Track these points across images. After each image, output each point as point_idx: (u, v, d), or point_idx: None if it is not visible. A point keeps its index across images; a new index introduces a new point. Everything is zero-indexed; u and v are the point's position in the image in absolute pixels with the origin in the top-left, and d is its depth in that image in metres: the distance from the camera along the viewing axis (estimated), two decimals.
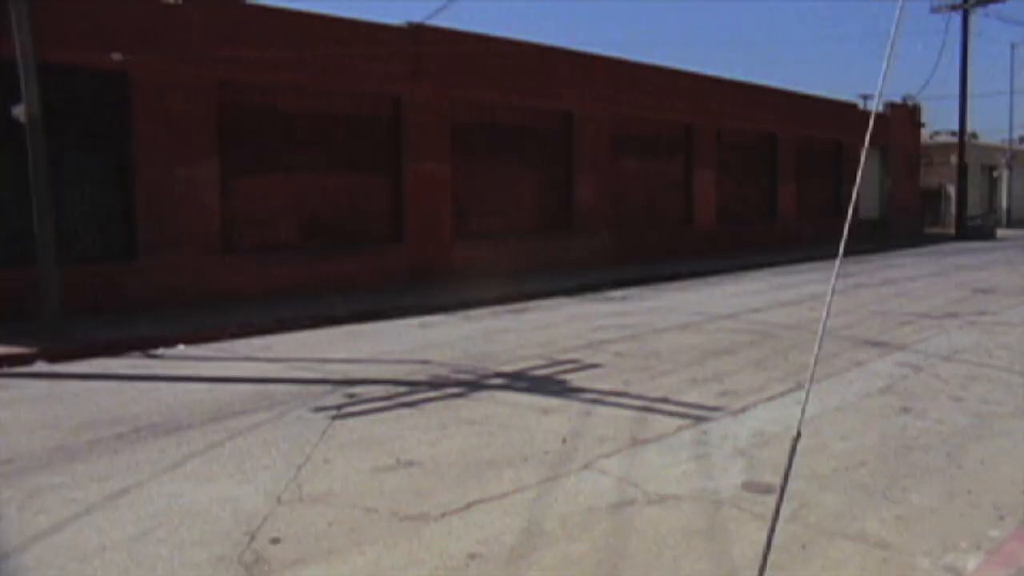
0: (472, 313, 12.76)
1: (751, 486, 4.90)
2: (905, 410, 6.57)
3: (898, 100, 33.72)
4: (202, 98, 12.71)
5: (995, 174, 44.75)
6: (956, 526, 4.29)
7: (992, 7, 33.37)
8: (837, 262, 3.37)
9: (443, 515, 4.54)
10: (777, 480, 4.93)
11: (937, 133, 41.36)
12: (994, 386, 7.35)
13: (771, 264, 20.27)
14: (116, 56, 11.45)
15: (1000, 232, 34.79)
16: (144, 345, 9.71)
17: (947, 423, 6.20)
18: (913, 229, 33.53)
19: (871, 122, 3.81)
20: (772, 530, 3.16)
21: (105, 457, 5.61)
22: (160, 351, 9.60)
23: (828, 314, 3.41)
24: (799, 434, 3.27)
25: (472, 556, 4.01)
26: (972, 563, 3.84)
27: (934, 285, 15.93)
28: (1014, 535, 4.10)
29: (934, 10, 33.18)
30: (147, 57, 11.85)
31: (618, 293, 15.18)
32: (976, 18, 34.13)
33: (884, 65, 3.19)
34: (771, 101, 25.55)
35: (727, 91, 23.72)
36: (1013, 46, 43.73)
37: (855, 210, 29.52)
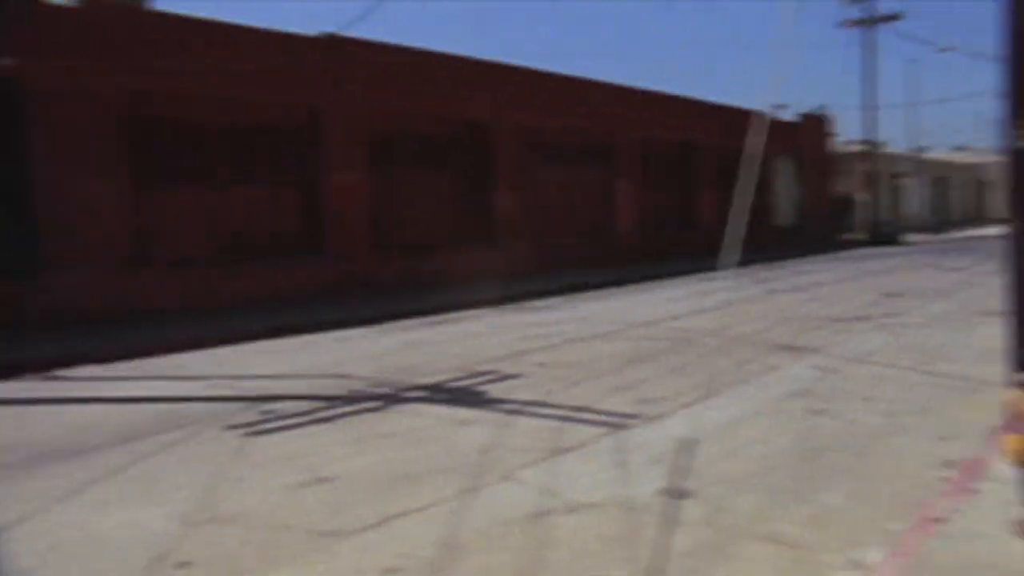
0: (391, 326, 12.64)
1: (667, 492, 4.95)
2: (819, 412, 6.74)
3: (810, 110, 34.93)
4: (108, 109, 12.29)
5: (901, 182, 46.66)
6: (863, 522, 4.40)
7: (893, 23, 34.95)
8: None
9: (360, 530, 4.45)
10: (694, 485, 5.02)
11: (848, 142, 42.86)
12: (900, 387, 7.60)
13: (691, 272, 20.69)
14: (4, 62, 10.95)
15: (907, 238, 36.29)
16: (47, 366, 9.30)
17: (859, 423, 6.38)
18: (827, 235, 34.73)
19: (750, 130, 3.90)
20: None
21: (1, 485, 5.33)
22: (65, 372, 9.21)
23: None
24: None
25: (390, 570, 3.94)
26: (875, 557, 3.95)
27: (846, 289, 16.49)
28: (913, 527, 4.24)
29: (839, 25, 34.62)
30: (43, 64, 11.38)
31: (540, 303, 15.25)
32: (880, 34, 35.75)
33: (778, 76, 3.27)
34: (688, 111, 26.16)
35: (646, 101, 24.19)
36: (910, 62, 45.79)
37: (770, 217, 30.53)
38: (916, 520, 4.36)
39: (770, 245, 28.88)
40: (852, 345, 9.84)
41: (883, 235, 34.54)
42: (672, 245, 25.21)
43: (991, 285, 14.89)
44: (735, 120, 28.63)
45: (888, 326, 11.30)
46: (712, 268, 20.97)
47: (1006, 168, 5.80)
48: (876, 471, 5.26)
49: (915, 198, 48.71)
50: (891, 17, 34.54)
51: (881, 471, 5.26)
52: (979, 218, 58.07)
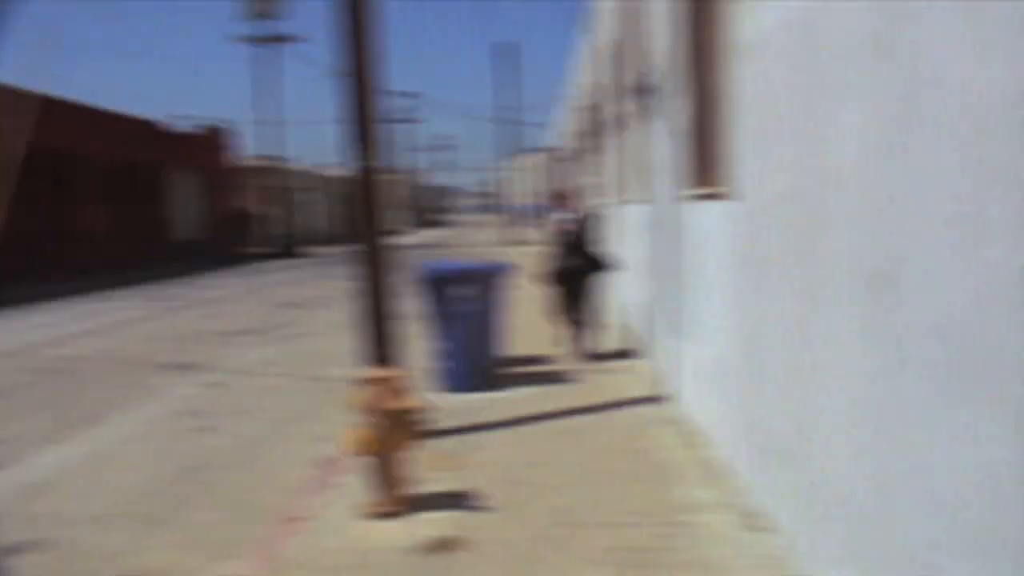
0: None
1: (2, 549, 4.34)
2: (203, 430, 6.66)
3: (212, 123, 34.75)
4: None
5: (305, 196, 49.10)
6: (234, 536, 4.43)
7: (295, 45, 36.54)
8: None
9: None
10: (47, 532, 4.48)
11: (257, 156, 43.63)
12: (288, 395, 7.95)
13: (81, 291, 18.92)
14: None
15: (312, 251, 38.59)
16: None
17: (244, 436, 6.47)
18: (231, 250, 34.95)
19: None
20: None
21: None
22: None
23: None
24: None
25: None
26: (236, 566, 4.00)
27: (249, 303, 16.81)
28: (278, 530, 4.41)
29: (234, 41, 34.85)
30: None
31: None
32: (285, 51, 37.29)
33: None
34: (72, 117, 23.84)
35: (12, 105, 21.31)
36: (308, 81, 48.82)
37: (170, 231, 29.60)
38: (282, 522, 4.55)
39: (170, 260, 28.05)
40: (245, 358, 10.01)
41: (288, 248, 36.20)
42: (50, 263, 22.54)
43: None
44: (130, 130, 27.15)
45: (282, 337, 11.80)
46: (106, 286, 19.49)
47: (351, 185, 6.50)
48: (255, 482, 5.37)
49: (320, 212, 51.96)
50: (289, 38, 36.02)
51: (260, 481, 5.38)
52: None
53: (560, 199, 8.94)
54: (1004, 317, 2.06)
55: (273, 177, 38.24)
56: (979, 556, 2.18)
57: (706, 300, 5.33)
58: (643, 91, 7.96)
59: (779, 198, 3.77)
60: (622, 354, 8.66)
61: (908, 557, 2.60)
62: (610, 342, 9.07)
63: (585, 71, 15.05)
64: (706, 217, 5.25)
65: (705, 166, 5.29)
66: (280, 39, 35.87)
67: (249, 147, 40.89)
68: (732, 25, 4.50)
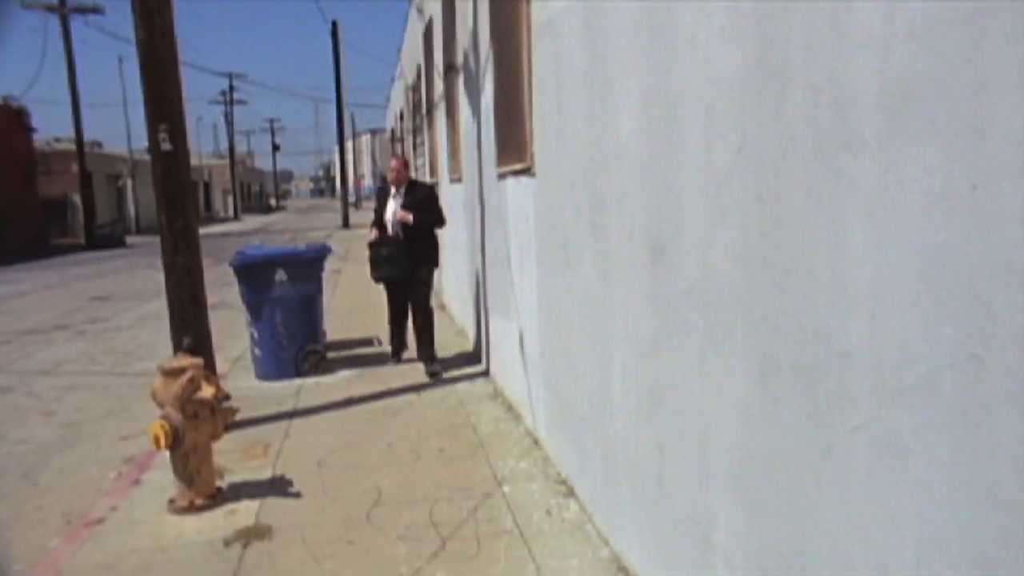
0: None
1: None
2: None
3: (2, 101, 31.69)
4: None
5: (120, 183, 46.01)
6: (28, 543, 4.12)
7: (94, 17, 33.72)
8: None
9: None
10: None
11: (58, 140, 40.36)
12: (92, 392, 7.46)
13: None
14: None
15: (130, 240, 36.17)
16: None
17: (31, 442, 6.00)
18: (35, 241, 32.13)
19: None
20: None
21: None
22: None
23: None
24: None
25: None
26: None
27: (50, 297, 15.61)
28: (70, 535, 4.15)
29: (25, 6, 31.45)
30: None
31: None
32: (78, 26, 34.16)
33: None
34: None
35: None
36: (120, 59, 45.77)
37: None
38: (82, 526, 4.28)
39: None
40: (43, 357, 9.31)
41: (104, 238, 33.79)
42: None
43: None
44: None
45: (89, 331, 11.06)
46: None
47: (154, 168, 6.14)
48: (47, 488, 5.01)
49: (146, 199, 48.50)
50: (87, 9, 33.08)
51: (53, 486, 5.03)
52: (208, 218, 61.18)
53: (400, 172, 7.31)
54: (749, 279, 2.22)
55: (91, 162, 35.53)
56: (740, 493, 2.36)
57: (517, 276, 5.45)
58: (454, 70, 8.00)
59: (574, 173, 3.89)
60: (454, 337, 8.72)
61: (683, 509, 2.78)
62: (440, 324, 9.09)
63: (412, 51, 14.94)
64: (513, 193, 5.35)
65: (513, 144, 5.38)
66: (77, 10, 32.78)
67: (59, 128, 37.75)
68: (531, 6, 4.59)
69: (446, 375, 7.00)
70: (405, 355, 7.62)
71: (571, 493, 4.23)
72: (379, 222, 7.33)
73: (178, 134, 6.06)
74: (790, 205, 1.97)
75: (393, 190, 7.28)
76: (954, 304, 1.47)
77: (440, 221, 7.26)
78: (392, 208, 7.21)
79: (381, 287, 7.59)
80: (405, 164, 7.50)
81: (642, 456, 3.14)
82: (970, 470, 1.46)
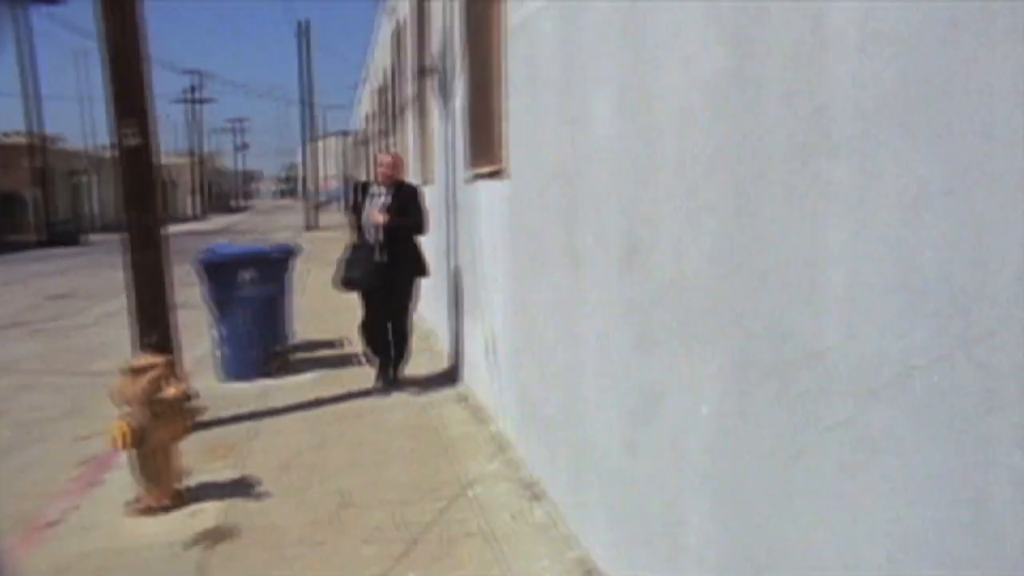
0: None
1: None
2: None
3: None
4: None
5: (75, 180, 44.74)
6: None
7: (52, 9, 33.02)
8: None
9: None
10: None
11: (15, 133, 39.32)
12: (48, 392, 7.31)
13: None
14: None
15: (90, 237, 35.52)
16: None
17: None
18: None
19: None
20: None
21: None
22: None
23: None
24: None
25: None
26: None
27: (7, 294, 15.27)
28: (23, 540, 4.04)
29: None
30: None
31: None
32: (39, 19, 33.62)
33: None
34: None
35: None
36: (78, 53, 44.68)
37: None
38: (36, 529, 4.17)
39: None
40: None
41: (61, 235, 33.15)
42: None
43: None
44: None
45: (47, 330, 10.84)
46: None
47: (120, 164, 6.03)
48: (7, 490, 4.88)
49: (107, 196, 47.30)
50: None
51: (7, 488, 4.90)
52: (173, 217, 60.00)
53: (390, 169, 6.56)
54: (718, 279, 2.24)
55: (50, 158, 34.77)
56: (712, 494, 2.37)
57: (489, 278, 5.44)
58: (425, 72, 7.97)
59: (547, 176, 3.89)
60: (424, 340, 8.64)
61: (655, 510, 2.78)
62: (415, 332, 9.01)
63: (381, 51, 14.88)
64: (485, 196, 5.35)
65: (486, 146, 5.37)
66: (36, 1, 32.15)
67: (13, 122, 36.97)
68: (505, 7, 4.59)
69: (415, 376, 6.95)
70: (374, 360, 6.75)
71: (541, 495, 4.23)
72: (357, 224, 6.52)
73: (145, 129, 5.95)
74: (766, 207, 1.99)
75: (377, 189, 6.52)
76: (927, 305, 1.49)
77: (418, 226, 6.47)
78: (369, 209, 6.44)
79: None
80: (397, 162, 6.72)
81: (613, 458, 3.14)
82: (941, 469, 1.48)
